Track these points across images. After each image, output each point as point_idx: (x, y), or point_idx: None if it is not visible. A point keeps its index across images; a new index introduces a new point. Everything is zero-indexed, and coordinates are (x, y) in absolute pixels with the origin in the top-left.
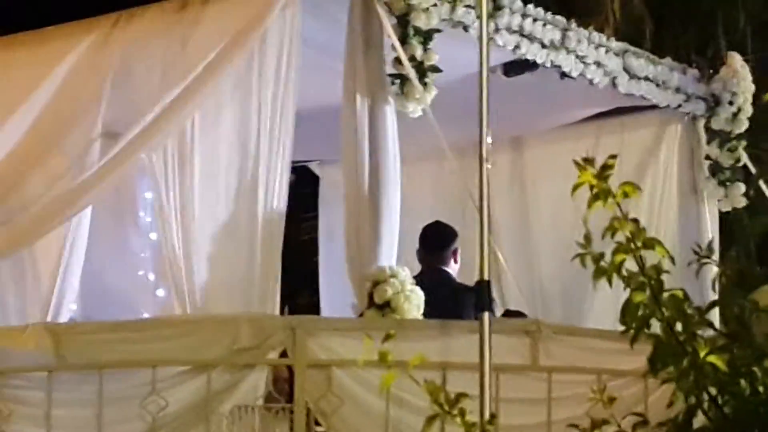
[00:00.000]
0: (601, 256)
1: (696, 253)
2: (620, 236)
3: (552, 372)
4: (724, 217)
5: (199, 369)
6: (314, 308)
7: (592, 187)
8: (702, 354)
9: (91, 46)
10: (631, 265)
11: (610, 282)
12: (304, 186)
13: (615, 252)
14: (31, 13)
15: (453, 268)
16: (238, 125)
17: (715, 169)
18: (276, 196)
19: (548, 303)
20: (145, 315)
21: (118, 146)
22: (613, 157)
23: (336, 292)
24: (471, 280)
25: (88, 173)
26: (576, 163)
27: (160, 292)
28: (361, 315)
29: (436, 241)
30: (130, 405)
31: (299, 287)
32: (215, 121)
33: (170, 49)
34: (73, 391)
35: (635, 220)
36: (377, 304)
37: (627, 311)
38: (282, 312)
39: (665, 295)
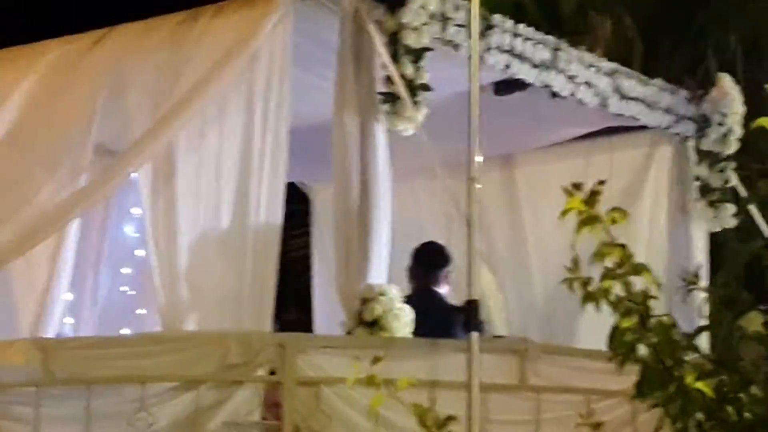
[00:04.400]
0: (589, 280)
1: (683, 279)
2: (608, 261)
3: (541, 392)
4: (713, 238)
5: (188, 386)
6: (302, 325)
7: (580, 212)
8: (689, 380)
9: (83, 59)
10: (619, 289)
11: (597, 307)
12: (292, 203)
13: (603, 277)
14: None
15: (444, 290)
16: (229, 141)
17: (705, 190)
18: (270, 212)
19: (544, 323)
20: (126, 332)
21: (107, 162)
22: (602, 182)
23: (329, 310)
24: (460, 299)
25: (76, 188)
26: (565, 189)
27: (141, 311)
28: (349, 333)
29: (431, 261)
30: (119, 421)
31: (287, 304)
32: (204, 136)
33: (161, 66)
34: (61, 407)
35: (623, 246)
36: (366, 321)
37: (614, 337)
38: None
39: (653, 320)
